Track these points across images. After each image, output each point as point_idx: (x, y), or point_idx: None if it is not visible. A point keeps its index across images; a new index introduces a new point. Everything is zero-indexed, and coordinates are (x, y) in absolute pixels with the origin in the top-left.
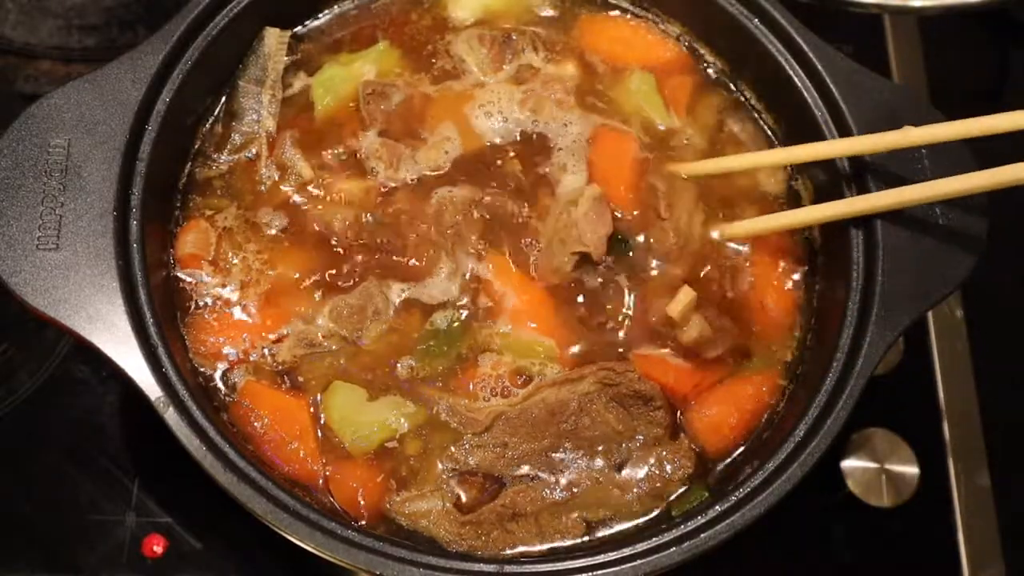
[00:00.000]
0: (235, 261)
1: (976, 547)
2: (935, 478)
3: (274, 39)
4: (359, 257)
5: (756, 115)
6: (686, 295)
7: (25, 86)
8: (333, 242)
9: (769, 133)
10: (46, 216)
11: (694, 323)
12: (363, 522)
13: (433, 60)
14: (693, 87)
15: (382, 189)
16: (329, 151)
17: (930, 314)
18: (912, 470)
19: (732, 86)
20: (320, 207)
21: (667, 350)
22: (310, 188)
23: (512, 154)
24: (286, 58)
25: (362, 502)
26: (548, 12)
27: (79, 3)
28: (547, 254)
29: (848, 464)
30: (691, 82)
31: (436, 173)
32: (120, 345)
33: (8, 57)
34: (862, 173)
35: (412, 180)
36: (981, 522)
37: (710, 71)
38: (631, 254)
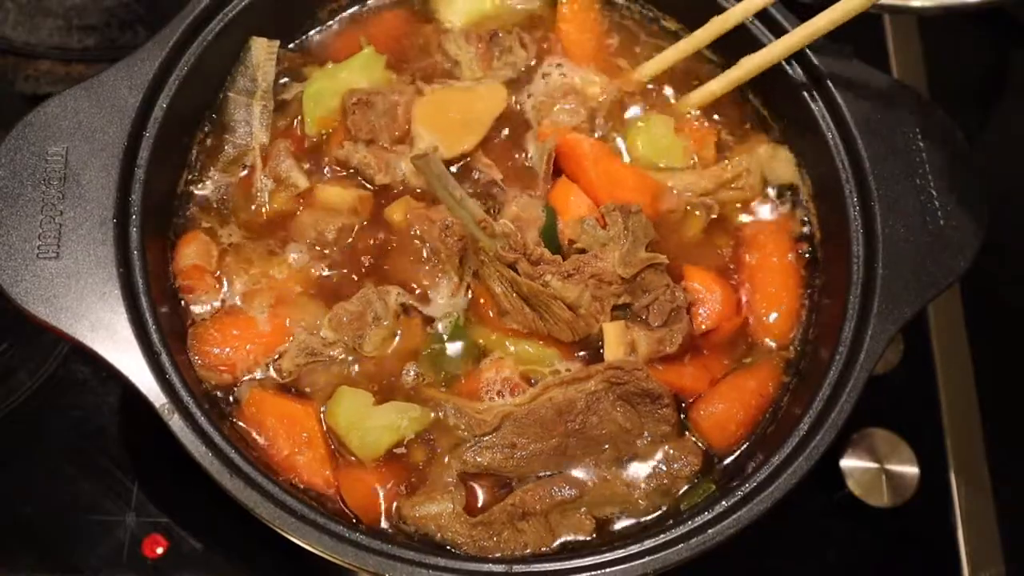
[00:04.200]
0: (235, 272)
1: (976, 547)
2: (935, 478)
3: (262, 49)
4: (357, 264)
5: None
6: (611, 333)
7: (25, 86)
8: (330, 250)
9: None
10: (46, 225)
11: (639, 341)
12: (377, 526)
13: (421, 63)
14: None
15: (375, 196)
16: (322, 161)
17: (930, 313)
18: (912, 470)
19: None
20: (316, 216)
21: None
22: (306, 198)
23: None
24: (275, 68)
25: (374, 507)
26: (531, 7)
27: (79, 3)
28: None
29: (848, 464)
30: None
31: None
32: (123, 353)
33: (8, 57)
34: (860, 167)
35: (402, 186)
36: (981, 522)
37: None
38: None
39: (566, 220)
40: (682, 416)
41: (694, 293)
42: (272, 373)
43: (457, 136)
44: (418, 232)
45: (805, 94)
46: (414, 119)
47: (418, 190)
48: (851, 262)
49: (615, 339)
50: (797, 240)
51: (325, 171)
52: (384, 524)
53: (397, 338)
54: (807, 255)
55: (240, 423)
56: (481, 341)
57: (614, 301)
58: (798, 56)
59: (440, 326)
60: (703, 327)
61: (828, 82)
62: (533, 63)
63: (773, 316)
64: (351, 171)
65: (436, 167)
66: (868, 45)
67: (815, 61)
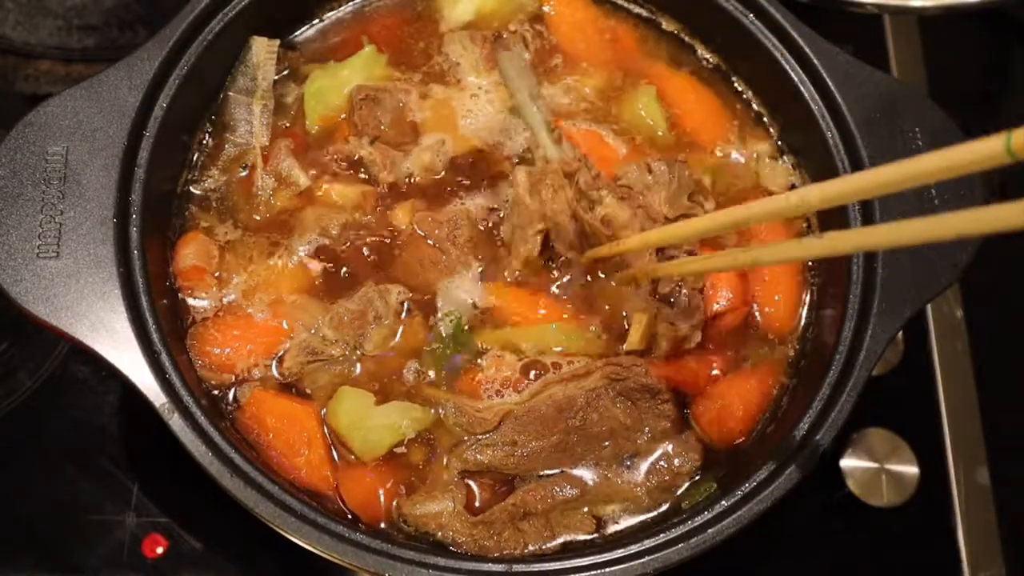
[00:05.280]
0: (235, 272)
1: (976, 547)
2: (935, 478)
3: (262, 48)
4: (358, 263)
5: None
6: (637, 325)
7: (25, 86)
8: (331, 249)
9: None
10: (46, 224)
11: (660, 337)
12: (376, 526)
13: (424, 63)
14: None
15: (378, 194)
16: (324, 159)
17: (930, 314)
18: (912, 470)
19: (728, 81)
20: (319, 213)
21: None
22: (307, 196)
23: (513, 158)
24: (276, 67)
25: (374, 506)
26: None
27: (79, 3)
28: (512, 249)
29: (848, 464)
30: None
31: (432, 176)
32: (123, 353)
33: (8, 57)
34: (859, 162)
35: (407, 183)
36: (981, 522)
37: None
38: None
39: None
40: (684, 412)
41: (711, 275)
42: (273, 373)
43: (463, 136)
44: (423, 234)
45: (805, 94)
46: (422, 118)
47: (416, 188)
48: (851, 262)
49: (638, 333)
50: (797, 239)
51: (327, 169)
52: (384, 523)
53: (398, 337)
54: None
55: (240, 423)
56: (482, 338)
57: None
58: (798, 56)
59: (441, 325)
60: (715, 307)
61: (828, 82)
62: (534, 61)
63: (773, 314)
64: (354, 168)
65: (518, 63)
66: (868, 45)
67: (815, 61)
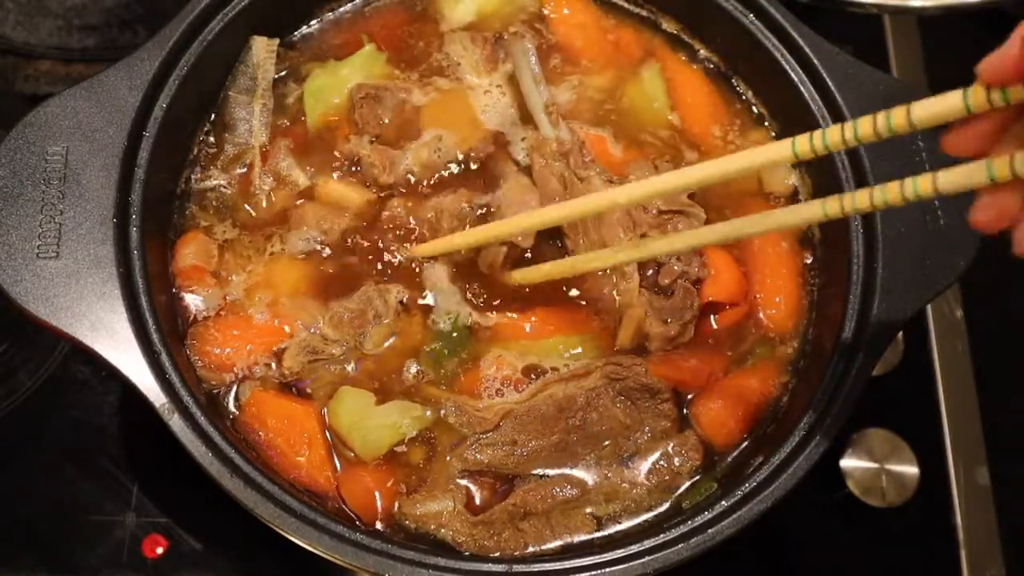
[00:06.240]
0: (234, 271)
1: (976, 547)
2: (935, 478)
3: (262, 48)
4: (357, 262)
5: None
6: (627, 323)
7: (25, 86)
8: (331, 248)
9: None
10: (46, 224)
11: (653, 332)
12: (376, 526)
13: (424, 62)
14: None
15: (377, 193)
16: (324, 158)
17: (930, 314)
18: (912, 470)
19: (729, 81)
20: (318, 213)
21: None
22: (306, 196)
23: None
24: (276, 67)
25: (374, 506)
26: (537, 9)
27: (79, 3)
28: (485, 253)
29: (848, 464)
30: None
31: (430, 173)
32: (123, 353)
33: (8, 57)
34: (860, 167)
35: (406, 182)
36: (981, 522)
37: (708, 66)
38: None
39: None
40: (684, 411)
41: (710, 266)
42: (273, 372)
43: (464, 134)
44: (414, 226)
45: (805, 94)
46: (422, 116)
47: (415, 187)
48: (851, 262)
49: (631, 328)
50: (797, 239)
51: (326, 168)
52: (384, 523)
53: (398, 336)
54: (807, 255)
55: (240, 423)
56: (482, 338)
57: (644, 230)
58: (798, 56)
59: (441, 324)
60: (710, 297)
61: (828, 82)
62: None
63: (773, 314)
64: (354, 168)
65: (524, 46)
66: (868, 45)
67: (815, 61)
